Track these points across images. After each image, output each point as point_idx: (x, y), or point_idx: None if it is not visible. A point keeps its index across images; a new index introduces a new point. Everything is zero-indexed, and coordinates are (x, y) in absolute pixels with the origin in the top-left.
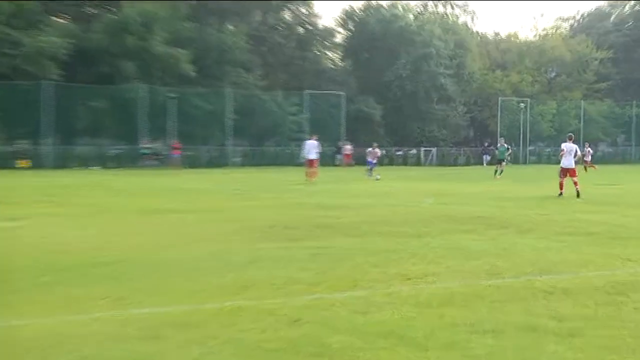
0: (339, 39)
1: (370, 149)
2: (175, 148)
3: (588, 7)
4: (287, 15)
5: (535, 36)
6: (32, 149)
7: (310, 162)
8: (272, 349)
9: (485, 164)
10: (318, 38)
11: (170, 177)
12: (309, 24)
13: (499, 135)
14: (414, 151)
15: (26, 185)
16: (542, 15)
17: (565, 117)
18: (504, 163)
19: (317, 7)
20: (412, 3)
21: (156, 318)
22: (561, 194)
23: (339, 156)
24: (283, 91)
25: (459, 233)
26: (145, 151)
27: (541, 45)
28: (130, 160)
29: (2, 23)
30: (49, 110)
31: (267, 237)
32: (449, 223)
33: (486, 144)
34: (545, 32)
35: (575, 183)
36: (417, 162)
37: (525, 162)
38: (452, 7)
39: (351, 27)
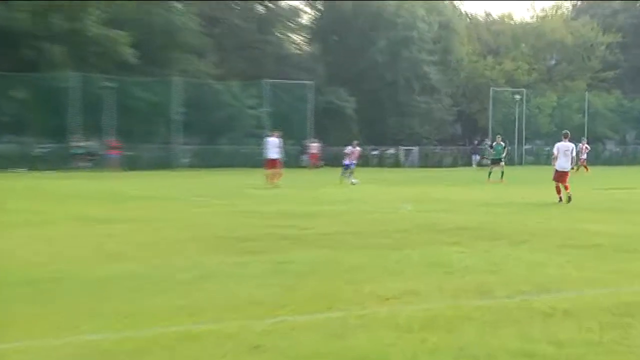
0: (305, 20)
1: (349, 147)
2: (114, 147)
3: None
4: None
5: (532, 17)
6: None
7: (272, 163)
8: None
9: (474, 165)
10: (281, 19)
11: (108, 180)
12: (270, 2)
13: (490, 132)
14: (392, 150)
15: None
16: None
17: (566, 110)
18: (502, 163)
19: None
20: None
21: (91, 346)
22: (560, 199)
23: (304, 156)
24: (240, 81)
25: (444, 245)
26: (78, 151)
27: (539, 28)
28: (61, 161)
29: None
30: None
31: (223, 249)
32: (431, 233)
33: (476, 142)
34: (544, 13)
35: (565, 187)
36: (396, 163)
37: (520, 163)
38: None
39: (319, 7)
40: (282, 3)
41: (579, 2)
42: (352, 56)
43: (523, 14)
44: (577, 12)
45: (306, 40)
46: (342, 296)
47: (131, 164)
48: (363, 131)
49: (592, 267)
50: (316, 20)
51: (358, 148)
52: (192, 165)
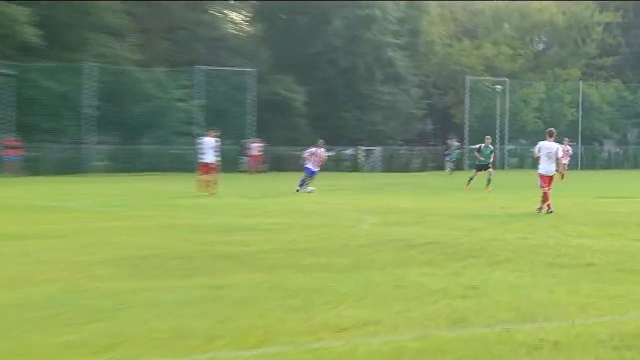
0: None
1: (312, 149)
2: (12, 147)
3: None
4: None
5: None
6: None
7: (206, 168)
8: None
9: (448, 170)
10: None
11: (4, 187)
12: None
13: (466, 129)
14: (349, 151)
15: None
16: None
17: (557, 104)
18: (490, 169)
19: None
20: None
21: None
22: (549, 210)
23: (244, 158)
24: (167, 68)
25: (411, 265)
26: None
27: (525, 5)
28: None
29: None
30: None
31: (145, 272)
32: (397, 251)
33: (450, 142)
34: None
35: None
36: (354, 167)
37: (502, 167)
38: None
39: None
40: None
41: None
42: (302, 38)
43: None
44: None
45: (247, 19)
46: (289, 327)
47: (33, 168)
48: (314, 128)
49: (587, 291)
50: None
51: (323, 149)
52: (108, 170)
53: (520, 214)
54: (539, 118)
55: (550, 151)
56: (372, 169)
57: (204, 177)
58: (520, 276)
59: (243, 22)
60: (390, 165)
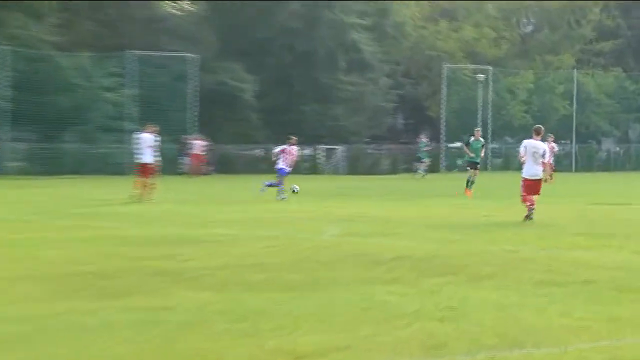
0: None
1: (284, 146)
2: None
3: None
4: None
5: None
6: None
7: (144, 169)
8: None
9: (421, 171)
10: None
11: None
12: None
13: (443, 124)
14: (308, 151)
15: None
16: None
17: (548, 95)
18: (476, 170)
19: None
20: None
21: None
22: (528, 215)
23: (184, 159)
24: (93, 52)
25: (379, 283)
26: None
27: None
28: None
29: None
30: None
31: (70, 291)
32: (363, 267)
33: (419, 138)
34: None
35: (531, 201)
36: (314, 169)
37: (485, 167)
38: None
39: None
40: None
41: None
42: (252, 20)
43: None
44: None
45: None
46: (237, 354)
47: None
48: (267, 123)
49: (580, 312)
50: None
51: (296, 147)
52: (24, 172)
53: (505, 223)
54: (527, 112)
55: (537, 151)
56: (335, 171)
57: (141, 179)
58: (505, 295)
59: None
60: (355, 166)
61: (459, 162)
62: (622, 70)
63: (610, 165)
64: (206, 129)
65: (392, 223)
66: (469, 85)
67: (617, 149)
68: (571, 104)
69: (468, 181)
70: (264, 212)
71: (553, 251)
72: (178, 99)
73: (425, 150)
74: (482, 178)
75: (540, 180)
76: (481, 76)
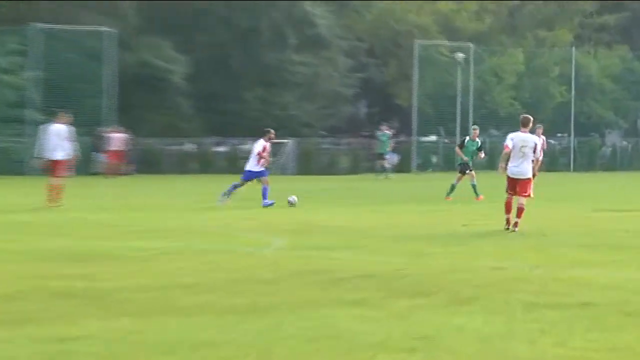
0: None
1: (262, 141)
2: None
3: None
4: None
5: None
6: None
7: (55, 167)
8: None
9: (383, 170)
10: None
11: None
12: None
13: (415, 114)
14: (249, 146)
15: None
16: None
17: (541, 79)
18: (465, 174)
19: None
20: None
21: None
22: (508, 224)
23: (100, 155)
24: None
25: (337, 306)
26: None
27: None
28: None
29: None
30: None
31: None
32: (317, 287)
33: (380, 131)
34: None
35: (520, 210)
36: None
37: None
38: None
39: None
40: None
41: None
42: None
43: None
44: None
45: None
46: None
47: None
48: (201, 113)
49: (579, 342)
50: None
51: (268, 144)
52: None
53: (489, 233)
54: (515, 99)
55: (526, 144)
56: (282, 171)
57: (52, 180)
58: (489, 322)
59: None
60: (308, 164)
61: (434, 159)
62: (630, 49)
63: (616, 163)
64: (126, 120)
65: (352, 233)
66: (446, 67)
67: (624, 143)
68: (569, 90)
69: (453, 187)
70: (197, 221)
71: (547, 268)
72: (92, 82)
73: (387, 144)
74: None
75: (529, 180)
76: (460, 55)
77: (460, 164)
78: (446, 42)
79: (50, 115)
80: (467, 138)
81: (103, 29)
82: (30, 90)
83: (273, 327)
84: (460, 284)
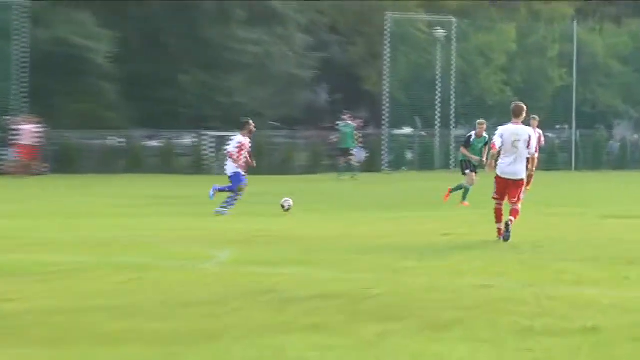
0: None
1: (240, 137)
2: None
3: None
4: None
5: None
6: None
7: None
8: None
9: (348, 169)
10: None
11: None
12: None
13: (386, 102)
14: (188, 140)
15: None
16: None
17: (537, 60)
18: (474, 173)
19: None
20: None
21: None
22: (501, 233)
23: (8, 150)
24: None
25: (293, 331)
26: None
27: None
28: None
29: None
30: None
31: None
32: (269, 308)
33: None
34: None
35: (514, 211)
36: (197, 166)
37: (447, 166)
38: None
39: None
40: None
41: None
42: None
43: None
44: None
45: None
46: None
47: None
48: (129, 100)
49: None
50: None
51: (246, 140)
52: None
53: (475, 244)
54: (506, 84)
55: (519, 139)
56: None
57: None
58: (475, 350)
59: None
60: (258, 162)
61: (409, 156)
62: (639, 26)
63: (626, 160)
64: (39, 108)
65: (310, 244)
66: (424, 46)
67: (636, 136)
68: (570, 73)
69: (463, 189)
70: (122, 229)
71: (543, 286)
72: None
73: (352, 137)
74: (442, 181)
75: (522, 182)
76: (441, 32)
77: (461, 161)
78: (424, 16)
79: None
80: (473, 135)
81: (11, 0)
82: None
83: (215, 355)
84: (440, 306)
